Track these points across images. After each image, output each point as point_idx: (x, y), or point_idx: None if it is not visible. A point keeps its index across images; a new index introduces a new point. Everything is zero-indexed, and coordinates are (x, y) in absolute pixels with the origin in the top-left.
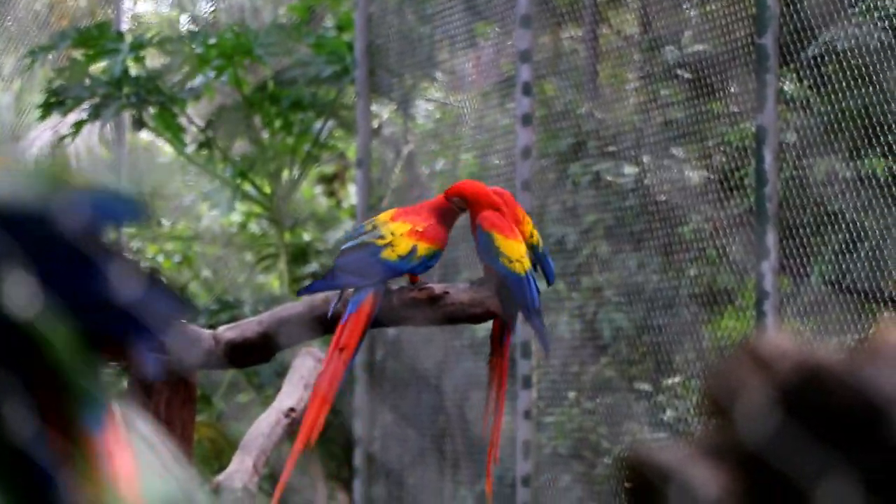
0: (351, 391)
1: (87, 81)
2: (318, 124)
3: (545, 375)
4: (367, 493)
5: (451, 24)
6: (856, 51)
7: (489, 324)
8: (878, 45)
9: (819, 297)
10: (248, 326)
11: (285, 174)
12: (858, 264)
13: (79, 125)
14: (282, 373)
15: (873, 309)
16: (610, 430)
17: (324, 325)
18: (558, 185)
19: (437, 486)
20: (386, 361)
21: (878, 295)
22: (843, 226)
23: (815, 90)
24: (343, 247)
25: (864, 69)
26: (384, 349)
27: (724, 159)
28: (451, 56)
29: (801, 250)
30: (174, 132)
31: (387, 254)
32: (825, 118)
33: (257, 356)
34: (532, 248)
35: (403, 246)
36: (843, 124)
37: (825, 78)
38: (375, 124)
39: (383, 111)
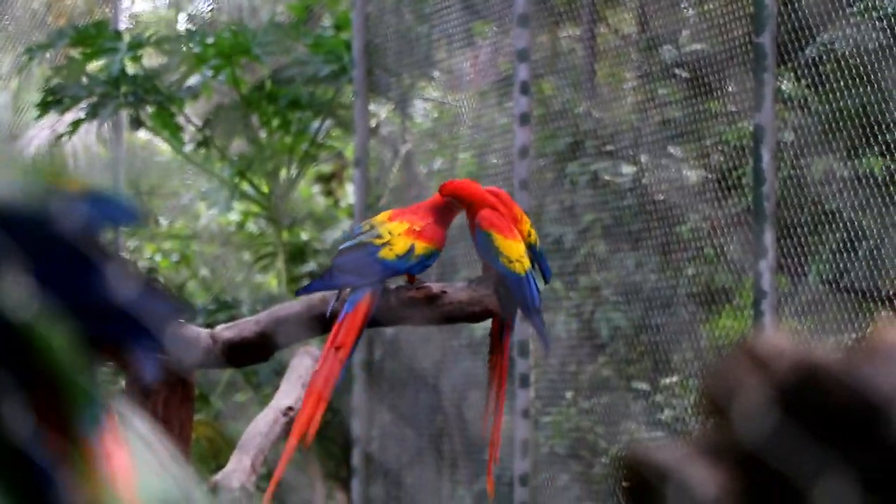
0: (349, 390)
1: (85, 80)
2: (315, 123)
3: (543, 375)
4: (365, 492)
5: (449, 23)
6: (853, 50)
7: (487, 323)
8: (876, 44)
9: (817, 297)
10: (245, 326)
11: (283, 173)
12: (856, 263)
13: (76, 124)
14: (280, 372)
15: (871, 308)
16: (607, 429)
17: (322, 324)
18: (556, 184)
19: (436, 485)
20: (384, 361)
21: (875, 294)
22: (841, 225)
23: (812, 89)
24: (341, 247)
25: (861, 68)
26: (382, 348)
27: (721, 158)
28: (449, 55)
29: (798, 249)
30: (172, 131)
31: (384, 253)
32: (823, 117)
33: (255, 355)
34: (530, 248)
35: (401, 245)
36: (840, 123)
37: (823, 77)
38: (373, 123)
39: (381, 110)
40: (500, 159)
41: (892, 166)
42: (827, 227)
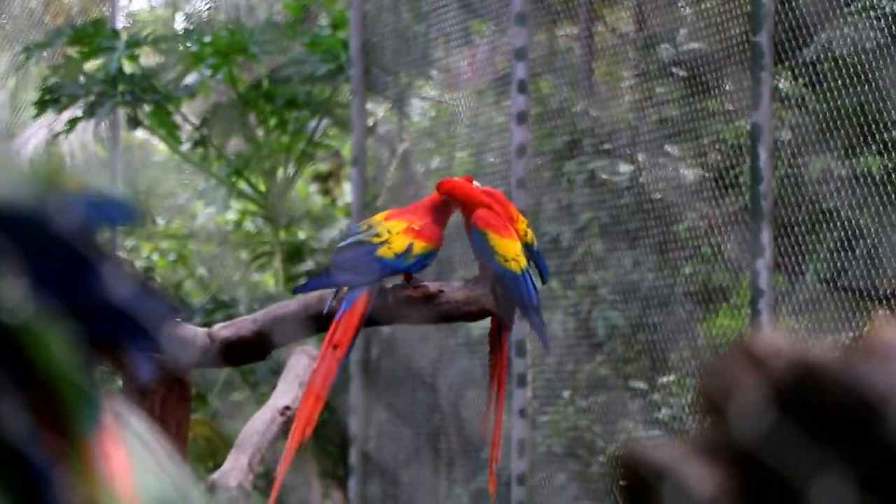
0: (346, 389)
1: (82, 79)
2: (312, 122)
3: (540, 374)
4: (362, 491)
5: (446, 21)
6: (851, 49)
7: (484, 322)
8: (874, 43)
9: (814, 295)
10: (243, 325)
11: (280, 172)
12: (853, 262)
13: (73, 122)
14: (277, 371)
15: (868, 307)
16: (605, 428)
17: (319, 323)
18: (553, 183)
19: (433, 484)
20: (381, 360)
21: (872, 293)
22: (838, 224)
23: (810, 88)
24: (339, 245)
25: (859, 67)
26: (379, 347)
27: (719, 157)
28: (447, 54)
29: (796, 248)
30: (169, 130)
31: (383, 251)
32: (820, 116)
33: (252, 354)
34: (527, 247)
35: (400, 244)
36: (838, 122)
37: (820, 76)
38: (370, 122)
39: (378, 109)
40: (497, 158)
41: (890, 165)
42: (824, 225)
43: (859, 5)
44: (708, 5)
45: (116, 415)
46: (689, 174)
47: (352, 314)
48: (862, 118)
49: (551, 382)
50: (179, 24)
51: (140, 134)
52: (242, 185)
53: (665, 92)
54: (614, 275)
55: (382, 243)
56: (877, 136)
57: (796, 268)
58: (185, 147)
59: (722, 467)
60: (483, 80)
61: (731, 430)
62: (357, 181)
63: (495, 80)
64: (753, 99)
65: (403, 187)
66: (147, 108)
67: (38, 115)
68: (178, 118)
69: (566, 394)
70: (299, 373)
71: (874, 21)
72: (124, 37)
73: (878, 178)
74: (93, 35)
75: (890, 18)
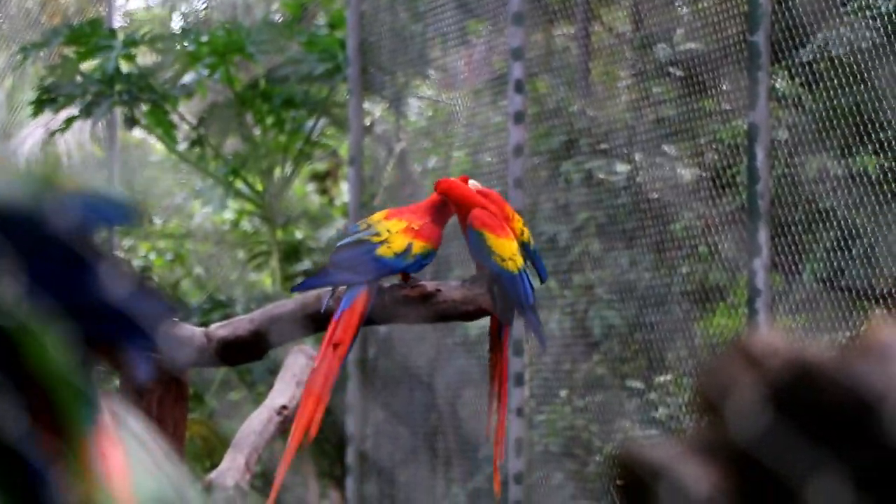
0: (343, 389)
1: (79, 79)
2: (310, 122)
3: (537, 373)
4: (359, 490)
5: (443, 21)
6: (847, 49)
7: (482, 321)
8: (870, 43)
9: (811, 295)
10: (240, 324)
11: (277, 172)
12: (850, 262)
13: (70, 120)
14: (274, 371)
15: (865, 306)
16: (602, 427)
17: (316, 322)
18: (550, 182)
19: (430, 483)
20: (378, 359)
21: (869, 292)
22: (835, 223)
23: (806, 88)
24: (338, 243)
25: (855, 67)
26: (376, 347)
27: (715, 157)
28: (444, 54)
29: (792, 248)
30: (166, 130)
31: (382, 250)
32: (817, 116)
33: (249, 354)
34: (523, 246)
35: (399, 243)
36: (834, 122)
37: (817, 76)
38: (367, 122)
39: (375, 109)
40: (494, 157)
41: (886, 165)
42: (821, 225)
43: (855, 5)
44: (704, 5)
45: (114, 414)
46: (686, 174)
47: (352, 312)
48: (858, 118)
49: (548, 382)
50: (176, 23)
51: (137, 133)
52: (239, 184)
53: (662, 92)
54: (611, 274)
55: (382, 242)
56: (873, 135)
57: (793, 267)
58: (182, 146)
59: (719, 466)
60: (480, 79)
61: (727, 429)
62: (354, 180)
63: (492, 80)
64: (750, 99)
65: (400, 187)
66: (144, 107)
67: (35, 116)
68: (174, 118)
69: (563, 393)
70: (296, 372)
71: (870, 21)
72: (121, 36)
73: (874, 177)
74: (89, 35)
75: (886, 18)
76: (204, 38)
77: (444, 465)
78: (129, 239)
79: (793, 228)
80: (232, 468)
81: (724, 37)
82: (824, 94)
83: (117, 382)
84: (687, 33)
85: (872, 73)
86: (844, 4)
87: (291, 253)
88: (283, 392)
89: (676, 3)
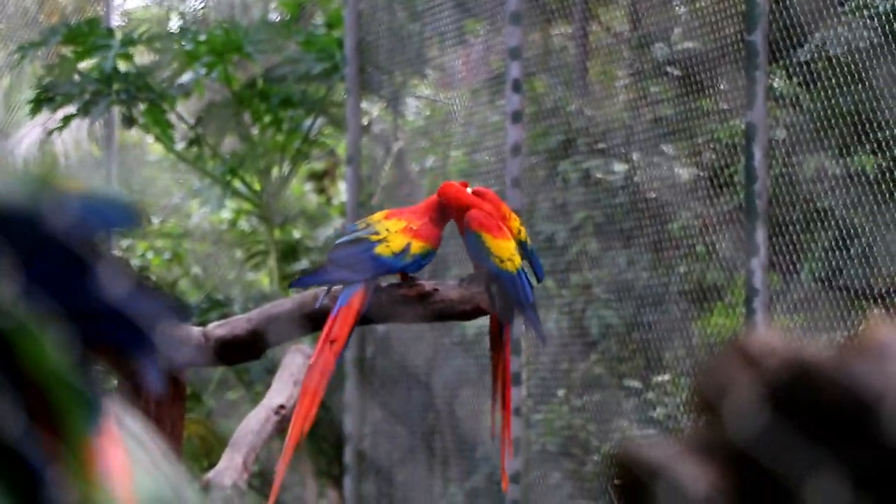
0: (341, 388)
1: (77, 78)
2: (307, 121)
3: (535, 372)
4: (357, 489)
5: (441, 20)
6: (845, 49)
7: (480, 321)
8: (868, 43)
9: (809, 294)
10: (237, 324)
11: (275, 171)
12: (848, 261)
13: (67, 119)
14: (271, 370)
15: (863, 306)
16: (599, 427)
17: (313, 322)
18: (548, 182)
19: (427, 482)
20: (375, 358)
21: (867, 292)
22: (833, 223)
23: (804, 87)
24: (337, 241)
25: (853, 66)
26: (374, 346)
27: (713, 156)
28: (441, 53)
29: (790, 247)
30: (164, 129)
31: (381, 249)
32: (815, 115)
33: (247, 353)
34: (521, 245)
35: (398, 242)
36: (832, 121)
37: (815, 75)
38: (365, 121)
39: (373, 108)
40: (492, 157)
41: (884, 164)
42: (819, 224)
43: (853, 4)
44: (702, 4)
45: (112, 414)
46: (684, 173)
47: (348, 310)
48: (856, 117)
49: (546, 381)
50: (174, 22)
51: (135, 133)
52: (237, 183)
53: (659, 91)
54: (609, 274)
55: (380, 241)
56: (871, 135)
57: (791, 267)
58: (180, 146)
59: (716, 466)
60: (478, 79)
61: (725, 428)
62: (352, 180)
63: (490, 80)
64: (748, 98)
65: (398, 186)
66: (142, 106)
67: (32, 115)
68: (172, 117)
69: (561, 392)
70: (294, 371)
71: (868, 20)
72: (119, 35)
73: (872, 176)
74: (87, 34)
75: (884, 18)
76: (202, 38)
77: (441, 464)
78: (127, 238)
79: (790, 228)
80: (230, 467)
81: (721, 36)
82: (822, 93)
83: (115, 383)
84: (684, 33)
85: (870, 72)
86: (842, 4)
87: (289, 252)
88: (280, 391)
89: (674, 3)
